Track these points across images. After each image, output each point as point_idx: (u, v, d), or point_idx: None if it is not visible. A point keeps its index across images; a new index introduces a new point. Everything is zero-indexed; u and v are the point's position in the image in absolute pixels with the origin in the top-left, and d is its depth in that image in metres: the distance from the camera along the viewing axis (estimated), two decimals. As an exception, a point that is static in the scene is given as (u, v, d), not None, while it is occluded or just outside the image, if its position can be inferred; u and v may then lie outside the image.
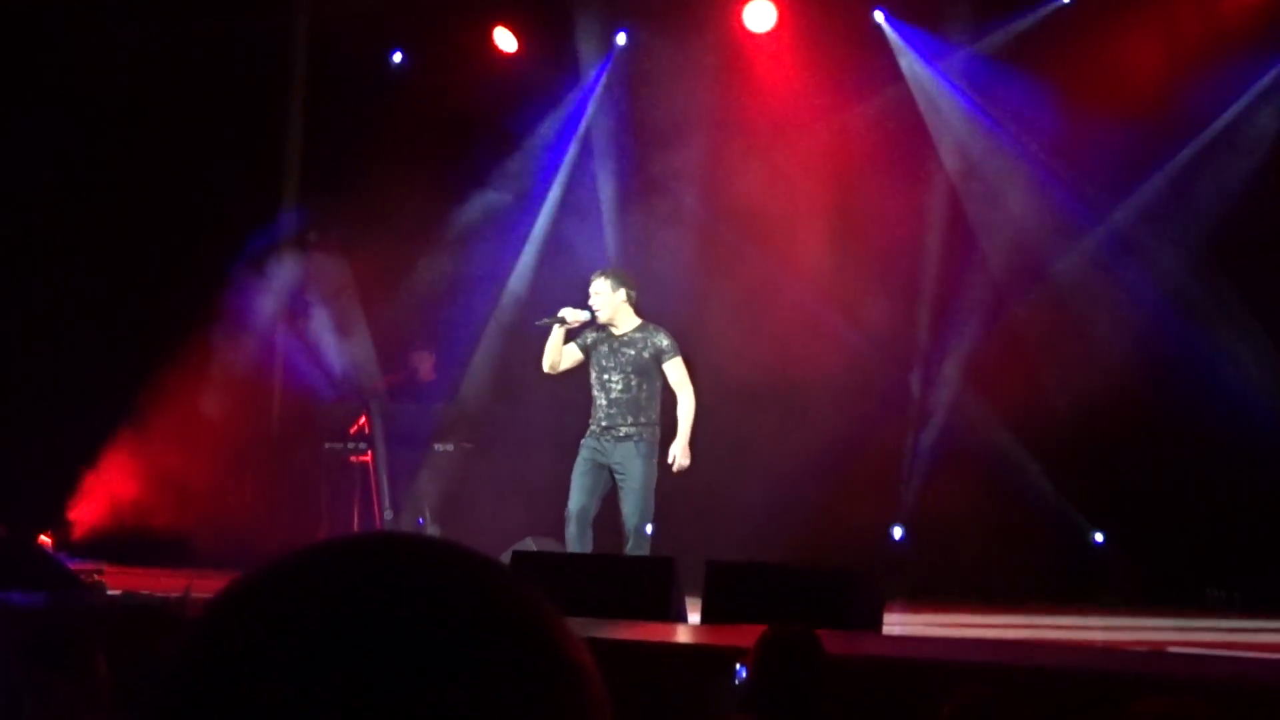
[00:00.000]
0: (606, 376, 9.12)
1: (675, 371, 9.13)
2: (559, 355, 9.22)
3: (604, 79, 13.25)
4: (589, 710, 0.84)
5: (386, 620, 0.81)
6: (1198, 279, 11.48)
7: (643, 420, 9.05)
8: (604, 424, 9.09)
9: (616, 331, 9.17)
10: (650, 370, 9.11)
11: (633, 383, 9.07)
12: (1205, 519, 11.18)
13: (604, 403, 9.11)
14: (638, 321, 9.23)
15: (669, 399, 9.25)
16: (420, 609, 0.82)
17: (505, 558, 8.48)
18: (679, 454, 9.05)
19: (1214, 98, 11.59)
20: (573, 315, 9.15)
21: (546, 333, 9.28)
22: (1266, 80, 11.61)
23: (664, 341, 9.14)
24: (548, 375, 9.54)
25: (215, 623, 0.84)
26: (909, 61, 12.50)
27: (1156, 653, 7.79)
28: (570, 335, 9.23)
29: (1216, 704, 3.53)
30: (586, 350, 9.23)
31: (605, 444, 9.05)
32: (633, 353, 9.11)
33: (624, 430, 9.02)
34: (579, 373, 9.43)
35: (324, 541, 0.87)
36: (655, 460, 9.09)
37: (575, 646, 0.85)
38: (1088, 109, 11.59)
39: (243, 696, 0.79)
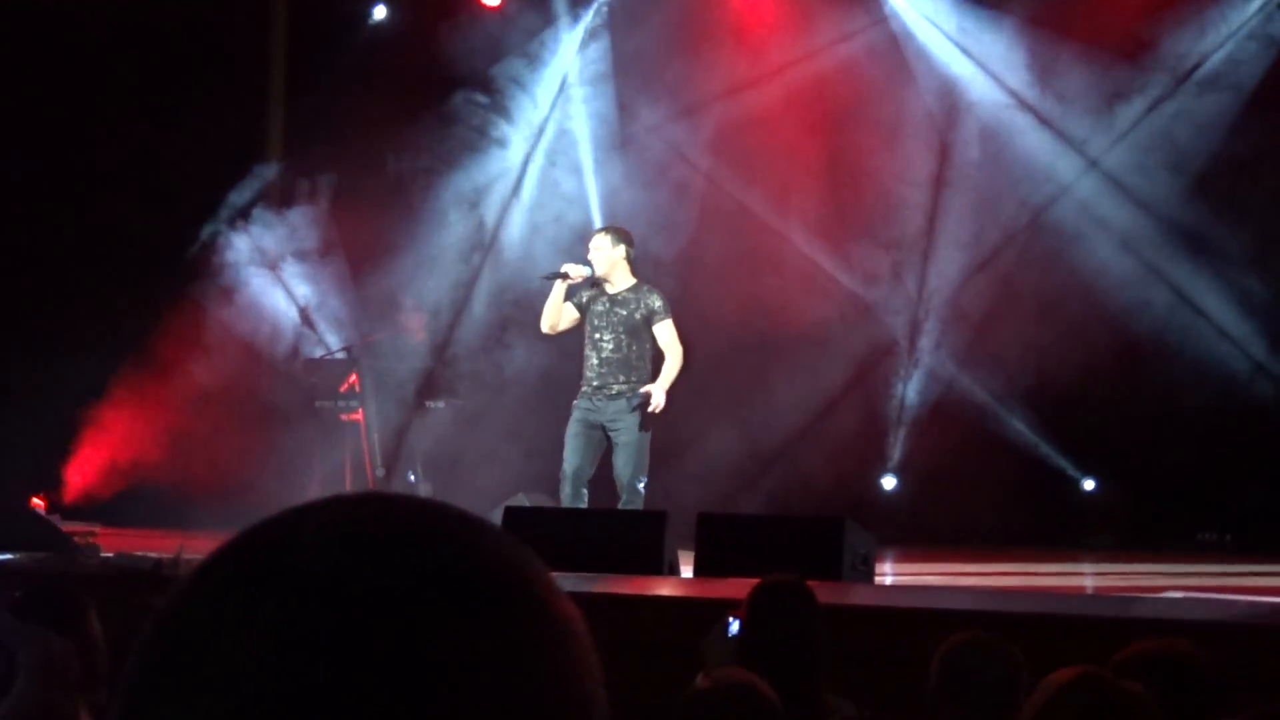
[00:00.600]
0: (599, 335, 9.10)
1: (665, 333, 9.13)
2: (559, 314, 9.19)
3: (588, 29, 13.18)
4: (576, 665, 0.84)
5: (371, 578, 0.81)
6: (1185, 220, 11.46)
7: (634, 379, 9.04)
8: (595, 383, 9.08)
9: (610, 290, 9.15)
10: (641, 331, 9.10)
11: (624, 342, 9.06)
12: (1196, 462, 11.21)
13: (595, 362, 9.10)
14: (633, 281, 9.20)
15: (660, 358, 9.22)
16: (405, 566, 0.82)
17: (497, 513, 8.49)
18: (654, 394, 8.94)
19: (1200, 35, 11.54)
20: (575, 270, 9.11)
21: (546, 291, 9.25)
22: (1251, 18, 11.56)
23: (656, 303, 9.13)
24: (540, 332, 9.53)
25: (202, 581, 0.84)
26: (894, 4, 12.44)
27: (1147, 597, 7.83)
28: (568, 293, 9.20)
29: (1208, 646, 3.54)
30: (582, 309, 9.20)
31: (598, 403, 9.04)
32: (624, 312, 9.09)
33: (615, 389, 9.02)
34: (573, 329, 9.40)
35: (311, 501, 0.87)
36: (648, 418, 9.09)
37: (562, 603, 0.86)
38: (1073, 48, 11.55)
39: (227, 653, 0.79)
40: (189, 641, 0.81)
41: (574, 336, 9.41)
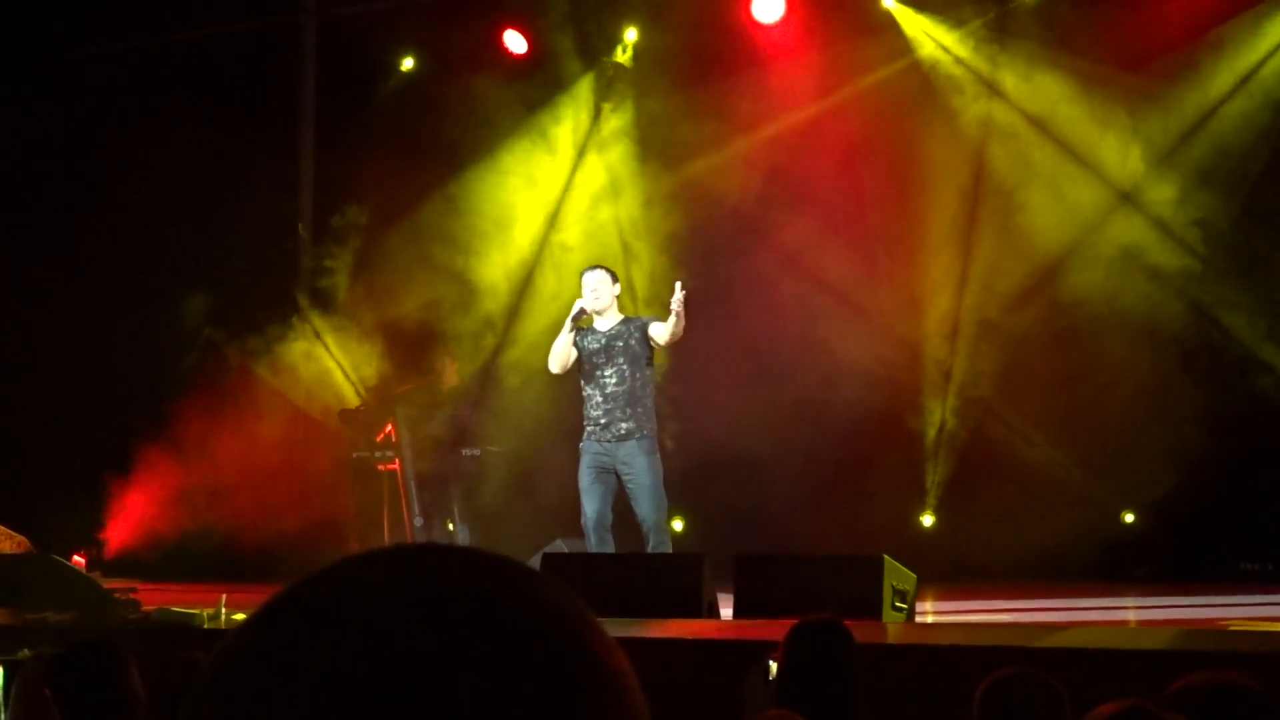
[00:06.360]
0: (599, 372, 9.12)
1: (659, 324, 9.06)
2: (569, 354, 9.23)
3: (615, 77, 13.25)
4: (627, 718, 0.84)
5: (426, 632, 0.81)
6: (1229, 244, 11.39)
7: (639, 411, 9.05)
8: (602, 421, 9.08)
9: (603, 327, 9.19)
10: (640, 357, 9.11)
11: (627, 373, 9.09)
12: (1235, 492, 11.13)
13: (600, 399, 9.11)
14: (620, 315, 9.28)
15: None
16: (462, 621, 0.82)
17: (536, 560, 8.49)
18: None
19: (1232, 57, 11.50)
20: (590, 306, 9.17)
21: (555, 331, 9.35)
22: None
23: (643, 318, 9.27)
24: (565, 375, 9.54)
25: (254, 636, 0.84)
26: (920, 44, 12.45)
27: (1191, 629, 7.76)
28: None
29: (1261, 677, 3.51)
30: (577, 347, 9.24)
31: (607, 445, 9.05)
32: (621, 344, 9.14)
33: (624, 426, 9.02)
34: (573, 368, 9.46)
35: (361, 554, 0.87)
36: (658, 455, 9.11)
37: (614, 654, 0.86)
38: (1102, 79, 11.52)
39: (284, 706, 0.79)
40: (244, 695, 0.81)
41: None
